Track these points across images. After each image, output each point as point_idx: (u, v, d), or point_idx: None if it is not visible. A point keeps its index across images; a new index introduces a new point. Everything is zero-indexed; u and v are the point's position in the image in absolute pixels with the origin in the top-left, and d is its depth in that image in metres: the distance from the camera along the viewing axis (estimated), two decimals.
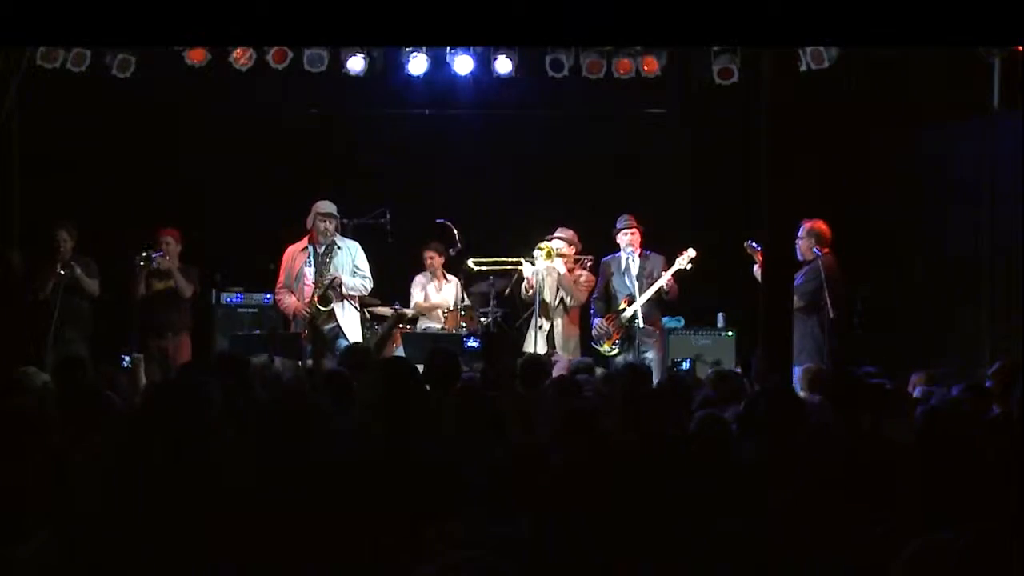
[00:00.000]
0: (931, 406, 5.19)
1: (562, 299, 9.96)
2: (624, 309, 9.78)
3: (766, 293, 7.62)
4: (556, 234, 10.07)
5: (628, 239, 9.93)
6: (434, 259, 10.58)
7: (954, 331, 9.95)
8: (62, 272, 9.45)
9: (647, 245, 10.03)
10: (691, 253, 9.76)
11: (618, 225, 9.99)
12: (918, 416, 5.13)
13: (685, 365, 8.97)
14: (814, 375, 7.00)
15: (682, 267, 9.76)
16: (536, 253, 9.90)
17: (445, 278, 10.63)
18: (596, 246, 10.33)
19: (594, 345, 9.95)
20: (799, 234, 9.17)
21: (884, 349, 9.76)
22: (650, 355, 9.66)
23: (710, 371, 7.38)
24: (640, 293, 9.74)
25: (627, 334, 9.76)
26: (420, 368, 4.68)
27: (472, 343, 8.27)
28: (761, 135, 7.69)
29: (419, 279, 10.69)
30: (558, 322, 9.97)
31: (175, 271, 9.72)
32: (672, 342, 9.78)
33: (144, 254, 9.55)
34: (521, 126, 11.47)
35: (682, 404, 5.24)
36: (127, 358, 8.28)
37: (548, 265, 9.88)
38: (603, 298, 10.07)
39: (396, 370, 4.09)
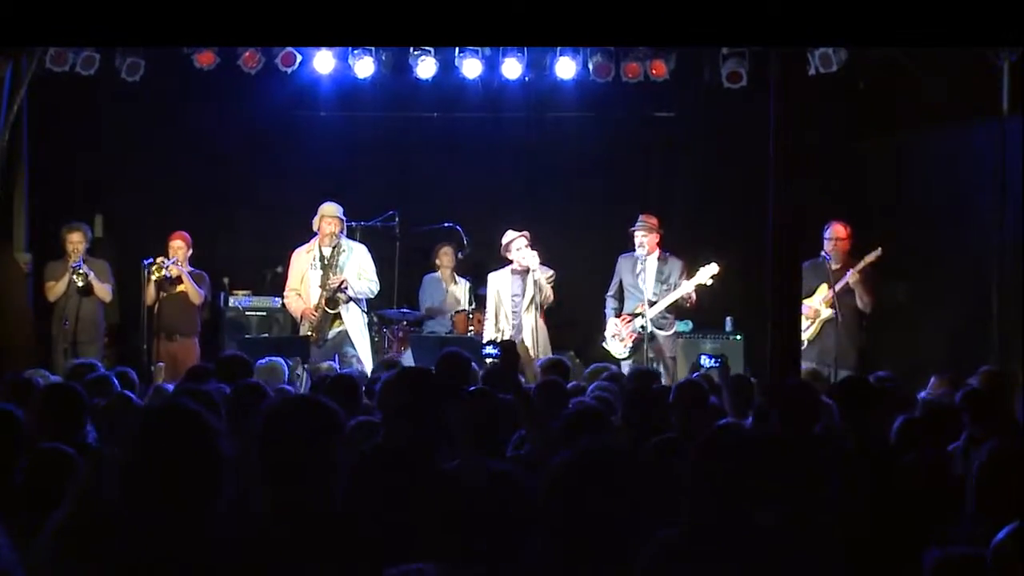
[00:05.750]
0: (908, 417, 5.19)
1: (533, 299, 9.69)
2: (641, 314, 9.59)
3: (773, 296, 7.59)
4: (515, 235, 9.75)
5: (640, 240, 9.74)
6: (447, 257, 10.56)
7: (962, 334, 9.92)
8: (77, 281, 9.48)
9: (662, 248, 9.93)
10: (713, 269, 9.52)
11: (635, 225, 9.81)
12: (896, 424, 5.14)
13: (714, 362, 8.52)
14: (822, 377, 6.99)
15: (703, 282, 9.55)
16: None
17: (455, 279, 10.63)
18: (604, 249, 10.32)
19: (604, 346, 9.86)
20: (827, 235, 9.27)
21: (890, 352, 9.76)
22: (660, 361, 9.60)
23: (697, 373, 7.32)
24: (657, 297, 9.62)
25: (640, 338, 9.61)
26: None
27: (491, 349, 8.18)
28: (770, 138, 7.68)
29: (429, 280, 10.66)
30: (533, 322, 9.72)
31: (185, 278, 9.73)
32: (681, 346, 9.72)
33: (157, 261, 9.54)
34: (529, 130, 11.47)
35: (696, 407, 5.21)
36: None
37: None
38: (616, 296, 9.95)
39: (417, 377, 4.07)
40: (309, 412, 3.11)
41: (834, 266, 9.41)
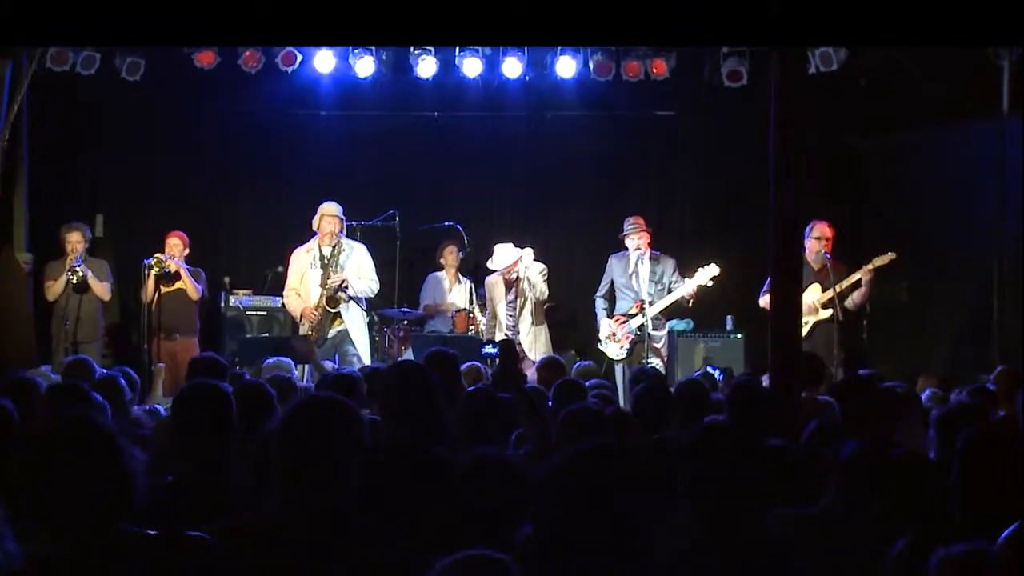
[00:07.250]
0: (942, 412, 5.15)
1: (526, 302, 9.73)
2: (635, 315, 9.62)
3: (774, 295, 7.57)
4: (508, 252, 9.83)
5: (636, 242, 9.72)
6: (452, 256, 10.55)
7: (963, 334, 9.93)
8: (72, 279, 9.47)
9: (656, 248, 9.95)
10: (714, 270, 9.51)
11: (625, 228, 9.79)
12: (932, 423, 5.10)
13: (720, 375, 8.47)
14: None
15: (703, 284, 9.54)
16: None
17: (458, 279, 10.63)
18: (604, 248, 10.32)
19: (600, 347, 9.88)
20: (814, 235, 9.18)
21: (891, 352, 9.76)
22: (654, 361, 9.58)
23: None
24: (651, 298, 9.62)
25: (637, 339, 9.63)
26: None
27: (490, 348, 8.17)
28: (770, 137, 7.67)
29: (432, 278, 10.65)
30: (529, 325, 9.78)
31: (184, 274, 9.72)
32: (681, 345, 9.71)
33: (154, 257, 9.54)
34: (530, 129, 11.48)
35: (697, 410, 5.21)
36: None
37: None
38: (606, 296, 9.97)
39: (409, 373, 4.08)
40: (331, 411, 3.09)
41: (816, 266, 9.32)
